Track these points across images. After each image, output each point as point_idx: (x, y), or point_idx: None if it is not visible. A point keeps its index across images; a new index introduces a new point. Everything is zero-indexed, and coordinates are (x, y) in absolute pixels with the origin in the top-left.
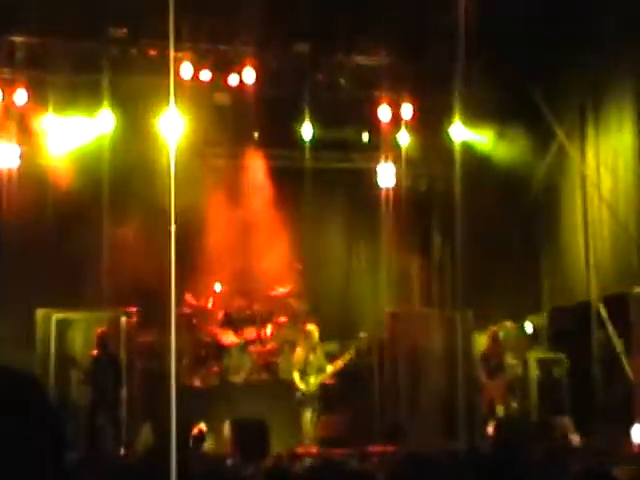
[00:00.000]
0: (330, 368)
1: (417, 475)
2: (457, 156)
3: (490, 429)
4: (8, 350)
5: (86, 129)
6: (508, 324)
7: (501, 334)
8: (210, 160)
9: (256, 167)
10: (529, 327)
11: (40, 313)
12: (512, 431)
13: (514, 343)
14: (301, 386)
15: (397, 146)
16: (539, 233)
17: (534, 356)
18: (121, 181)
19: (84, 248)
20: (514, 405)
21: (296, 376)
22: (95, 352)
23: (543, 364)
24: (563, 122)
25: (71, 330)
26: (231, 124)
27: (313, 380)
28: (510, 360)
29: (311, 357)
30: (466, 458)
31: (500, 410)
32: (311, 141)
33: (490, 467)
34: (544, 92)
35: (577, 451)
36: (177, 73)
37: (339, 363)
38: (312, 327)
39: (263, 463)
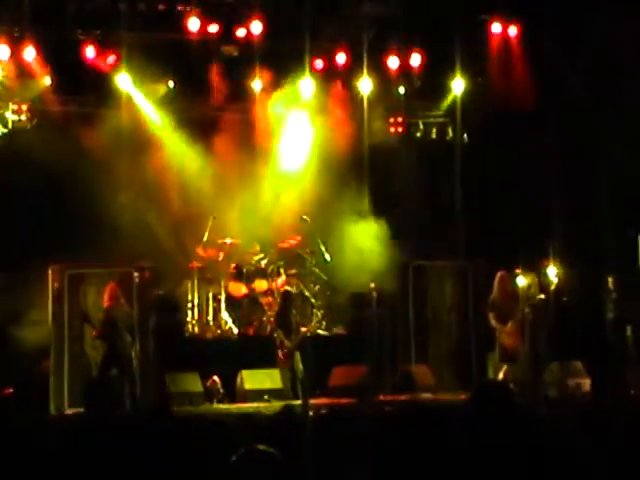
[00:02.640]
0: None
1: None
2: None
3: (501, 375)
4: (22, 305)
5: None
6: (519, 271)
7: (512, 280)
8: (218, 113)
9: (263, 119)
10: (550, 272)
11: (53, 268)
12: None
13: (526, 288)
14: (286, 343)
15: (399, 96)
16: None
17: (546, 300)
18: (136, 138)
19: (98, 205)
20: (525, 350)
21: (280, 334)
22: (106, 305)
23: (555, 308)
24: None
25: (84, 285)
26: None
27: (294, 337)
28: (522, 305)
29: (290, 317)
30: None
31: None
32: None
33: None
34: None
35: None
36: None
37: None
38: (288, 288)
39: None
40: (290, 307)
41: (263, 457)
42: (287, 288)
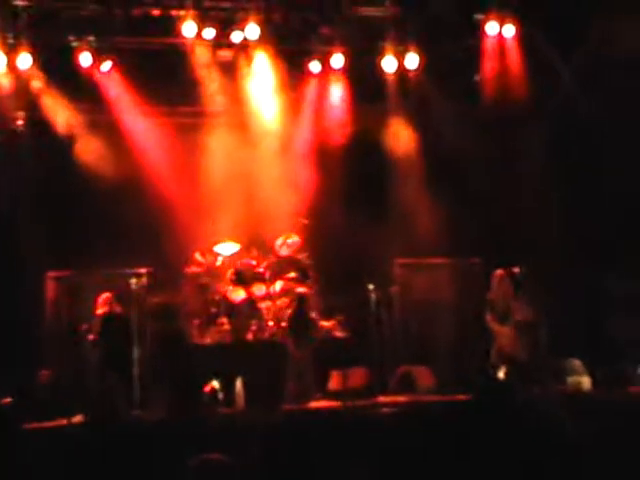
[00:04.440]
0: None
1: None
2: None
3: (501, 375)
4: (19, 312)
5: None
6: (516, 269)
7: (510, 279)
8: (214, 117)
9: (260, 122)
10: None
11: (51, 275)
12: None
13: (524, 287)
14: (297, 349)
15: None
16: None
17: (541, 299)
18: (131, 145)
19: (96, 210)
20: (524, 349)
21: (291, 340)
22: (102, 311)
23: (550, 307)
24: None
25: (82, 292)
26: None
27: (305, 343)
28: (520, 304)
29: (306, 320)
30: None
31: (510, 356)
32: None
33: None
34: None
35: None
36: (180, 32)
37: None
38: (302, 290)
39: (275, 418)
40: (306, 309)
41: (217, 466)
42: (301, 290)
